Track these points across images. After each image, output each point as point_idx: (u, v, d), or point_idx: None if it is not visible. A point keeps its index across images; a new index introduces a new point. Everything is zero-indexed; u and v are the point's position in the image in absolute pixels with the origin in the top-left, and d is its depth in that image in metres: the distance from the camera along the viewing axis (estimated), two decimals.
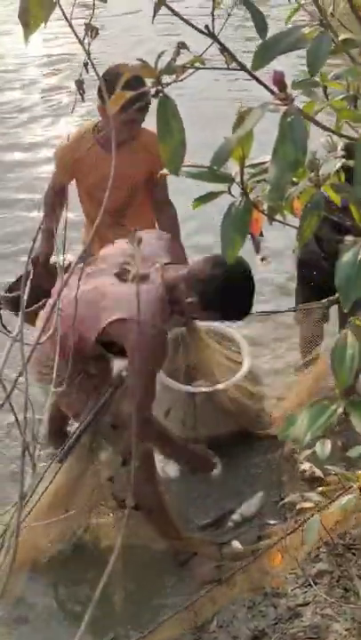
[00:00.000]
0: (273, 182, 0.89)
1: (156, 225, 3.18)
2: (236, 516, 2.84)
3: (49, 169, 4.51)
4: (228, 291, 2.30)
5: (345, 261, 0.99)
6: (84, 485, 2.60)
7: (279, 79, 0.87)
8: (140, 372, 2.33)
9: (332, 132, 1.19)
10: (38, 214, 4.51)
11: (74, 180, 3.09)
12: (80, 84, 1.43)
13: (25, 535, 2.41)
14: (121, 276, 2.43)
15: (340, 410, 0.95)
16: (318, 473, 2.81)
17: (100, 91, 2.76)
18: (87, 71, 1.28)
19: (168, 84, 1.00)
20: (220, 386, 3.04)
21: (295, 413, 1.03)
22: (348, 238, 0.99)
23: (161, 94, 0.92)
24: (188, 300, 2.34)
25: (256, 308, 2.53)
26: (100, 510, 2.67)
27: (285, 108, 0.86)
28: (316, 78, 1.28)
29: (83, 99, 1.55)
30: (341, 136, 1.24)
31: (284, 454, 3.01)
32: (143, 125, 2.89)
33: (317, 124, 1.15)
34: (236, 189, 1.14)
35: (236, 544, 2.69)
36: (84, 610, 2.50)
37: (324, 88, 1.39)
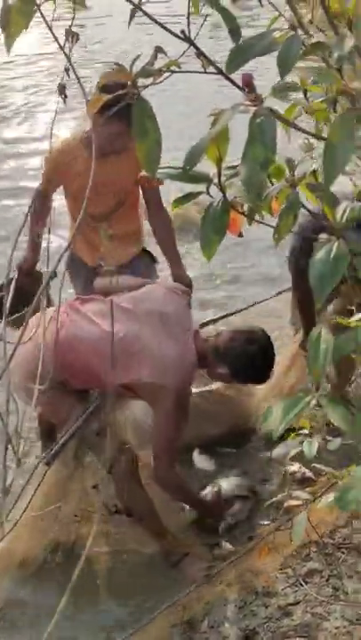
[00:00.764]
0: (244, 183, 0.91)
1: (143, 226, 3.22)
2: (229, 519, 2.85)
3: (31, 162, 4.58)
4: (258, 365, 2.55)
5: (318, 259, 1.01)
6: (70, 491, 2.64)
7: (248, 81, 0.89)
8: (166, 431, 2.51)
9: (309, 133, 1.22)
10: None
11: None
12: (62, 88, 1.47)
13: (12, 538, 2.42)
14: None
15: (314, 402, 0.97)
16: (308, 474, 2.82)
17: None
18: (68, 76, 1.32)
19: (145, 87, 1.03)
20: (212, 386, 3.07)
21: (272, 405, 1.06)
22: (323, 236, 1.01)
23: (136, 96, 0.95)
24: (220, 371, 2.56)
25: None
26: (88, 516, 2.68)
27: (255, 108, 0.89)
28: (296, 80, 1.31)
29: (65, 102, 1.59)
30: (319, 138, 1.27)
31: (275, 455, 3.03)
32: None
33: (295, 126, 1.18)
34: (214, 190, 1.16)
35: (226, 545, 2.70)
36: (71, 614, 2.48)
37: (305, 91, 1.42)
